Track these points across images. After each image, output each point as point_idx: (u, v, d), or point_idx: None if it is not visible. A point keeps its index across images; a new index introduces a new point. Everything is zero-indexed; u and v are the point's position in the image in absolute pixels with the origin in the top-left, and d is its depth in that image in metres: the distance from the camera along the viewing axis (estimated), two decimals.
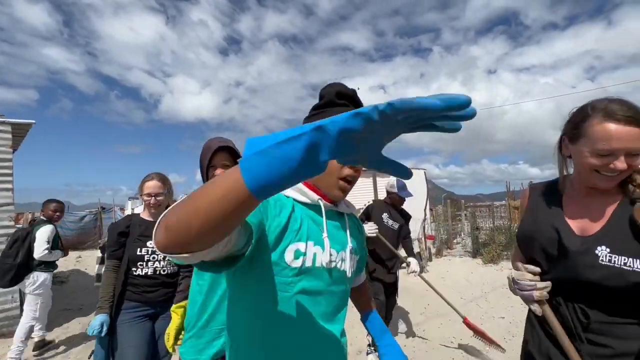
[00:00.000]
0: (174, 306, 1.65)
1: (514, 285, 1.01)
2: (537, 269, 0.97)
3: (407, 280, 4.62)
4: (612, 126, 0.82)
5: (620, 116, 0.81)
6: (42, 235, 3.14)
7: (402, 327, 3.89)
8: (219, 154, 1.39)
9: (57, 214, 3.37)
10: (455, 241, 10.48)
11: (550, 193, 1.04)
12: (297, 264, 0.75)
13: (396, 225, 3.15)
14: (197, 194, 0.41)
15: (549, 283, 0.95)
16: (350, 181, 0.83)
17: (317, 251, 0.78)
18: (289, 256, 0.74)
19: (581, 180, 0.95)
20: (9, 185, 3.97)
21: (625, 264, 0.83)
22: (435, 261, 7.90)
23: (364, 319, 1.07)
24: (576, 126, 0.90)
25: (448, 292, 5.12)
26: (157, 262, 1.89)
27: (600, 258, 0.86)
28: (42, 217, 3.34)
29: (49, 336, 3.53)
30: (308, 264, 0.76)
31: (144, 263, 1.88)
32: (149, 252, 1.89)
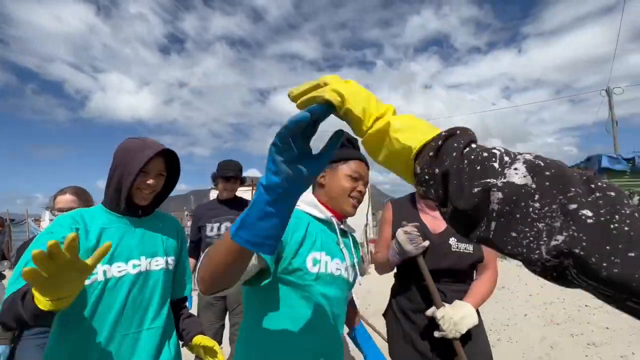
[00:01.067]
0: None
1: (406, 236, 1.21)
2: (415, 224, 1.26)
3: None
4: None
5: None
6: None
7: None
8: (158, 160, 1.11)
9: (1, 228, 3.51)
10: None
11: (408, 205, 1.41)
12: (315, 270, 0.89)
13: None
14: (212, 256, 0.60)
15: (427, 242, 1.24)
16: (359, 199, 1.02)
17: (327, 260, 0.93)
18: (309, 263, 0.89)
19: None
20: None
21: (465, 248, 1.26)
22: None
23: (353, 333, 1.20)
24: None
25: (385, 294, 5.50)
26: None
27: (453, 246, 1.26)
28: None
29: None
30: (322, 270, 0.91)
31: None
32: None
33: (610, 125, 13.30)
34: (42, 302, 0.74)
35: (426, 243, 1.21)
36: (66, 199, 1.69)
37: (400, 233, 1.23)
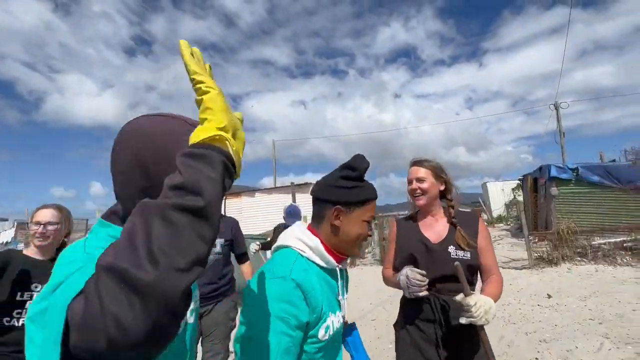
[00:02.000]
0: None
1: (407, 281, 1.33)
2: (424, 272, 1.34)
3: None
4: (410, 168, 1.55)
5: (414, 161, 1.55)
6: None
7: None
8: None
9: None
10: (367, 250, 11.46)
11: (409, 222, 1.60)
12: (326, 337, 0.89)
13: None
14: None
15: (427, 280, 1.33)
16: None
17: (333, 319, 0.91)
18: (321, 332, 0.87)
19: (417, 207, 1.56)
20: None
21: (463, 255, 1.39)
22: (350, 271, 8.57)
23: (344, 338, 1.11)
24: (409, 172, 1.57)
25: (360, 299, 5.66)
26: None
27: (452, 254, 1.40)
28: None
29: None
30: (331, 332, 0.90)
31: (24, 311, 1.51)
32: (33, 298, 1.53)
33: (558, 136, 14.61)
34: (208, 129, 0.49)
35: (423, 294, 1.30)
36: (47, 212, 1.65)
37: (403, 275, 1.34)
